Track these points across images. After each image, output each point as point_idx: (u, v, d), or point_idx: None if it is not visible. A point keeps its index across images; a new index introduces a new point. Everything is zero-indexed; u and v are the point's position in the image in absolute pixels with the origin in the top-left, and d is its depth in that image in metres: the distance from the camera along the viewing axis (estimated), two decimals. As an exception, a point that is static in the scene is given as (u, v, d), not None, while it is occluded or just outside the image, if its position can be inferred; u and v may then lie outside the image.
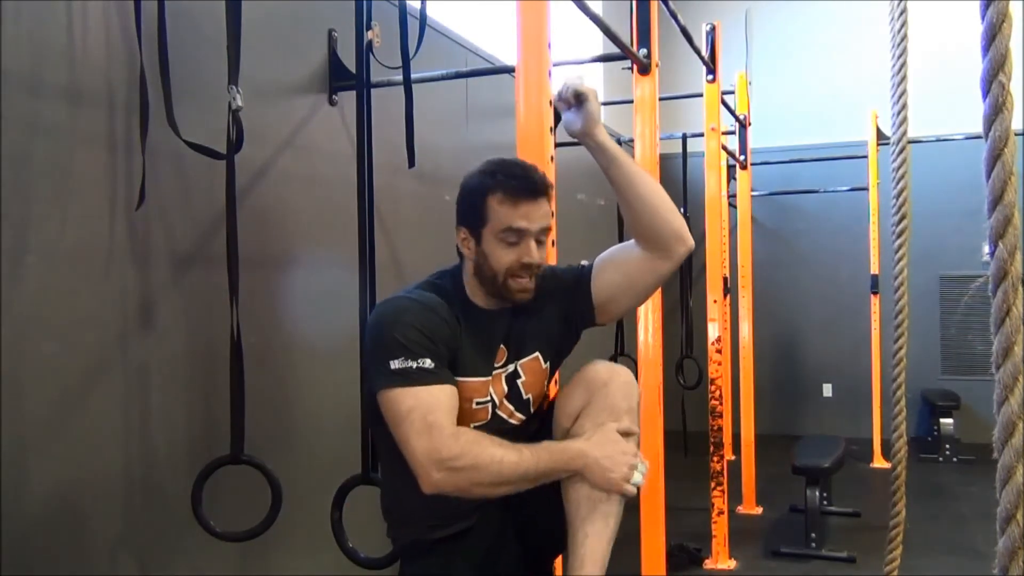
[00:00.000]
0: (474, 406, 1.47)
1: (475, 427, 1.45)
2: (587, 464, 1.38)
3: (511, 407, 1.51)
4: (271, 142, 2.68)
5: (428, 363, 1.36)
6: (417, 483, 1.37)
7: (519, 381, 1.52)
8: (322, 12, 2.93)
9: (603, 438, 1.40)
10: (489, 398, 1.49)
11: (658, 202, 1.51)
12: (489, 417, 1.49)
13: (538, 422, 1.58)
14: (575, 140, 1.54)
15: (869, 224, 6.15)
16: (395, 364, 1.36)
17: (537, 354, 1.54)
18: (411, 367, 1.36)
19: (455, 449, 1.32)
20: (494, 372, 1.50)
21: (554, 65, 1.96)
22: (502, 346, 1.51)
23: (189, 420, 2.30)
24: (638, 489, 1.42)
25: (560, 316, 1.57)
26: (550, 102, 1.93)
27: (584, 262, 1.62)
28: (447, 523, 1.49)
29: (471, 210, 1.47)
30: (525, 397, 1.53)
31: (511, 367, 1.51)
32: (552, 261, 1.77)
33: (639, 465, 1.41)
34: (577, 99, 1.49)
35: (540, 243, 1.46)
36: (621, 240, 4.75)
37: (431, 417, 1.33)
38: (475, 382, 1.47)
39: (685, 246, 1.53)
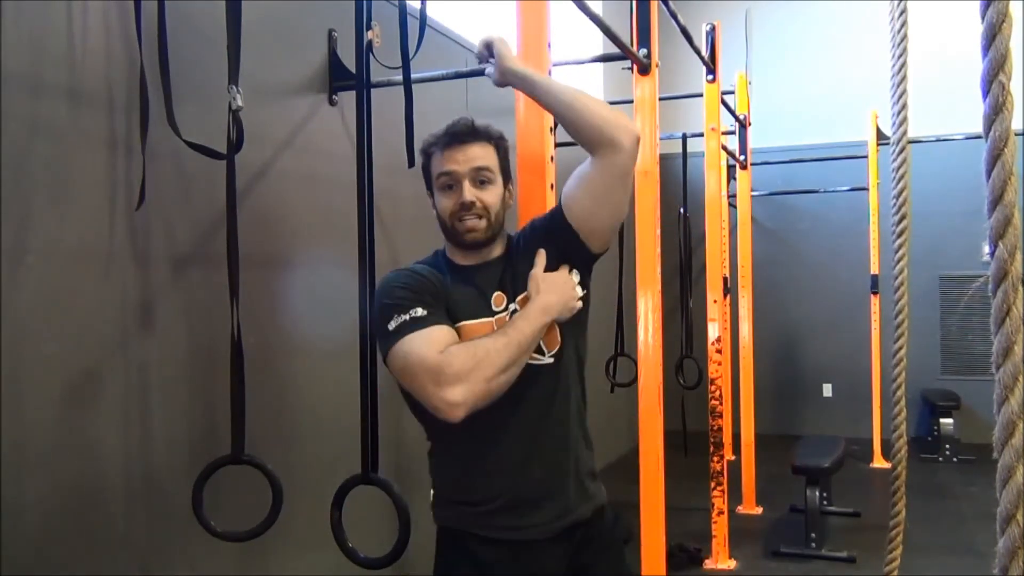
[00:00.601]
0: None
1: None
2: (552, 312, 1.46)
3: None
4: (271, 142, 2.68)
5: (420, 311, 1.43)
6: (451, 459, 1.49)
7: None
8: (322, 12, 2.93)
9: (545, 284, 1.48)
10: None
11: (586, 103, 1.53)
12: None
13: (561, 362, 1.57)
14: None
15: (869, 224, 6.15)
16: (392, 324, 1.43)
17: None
18: (405, 320, 1.42)
19: (451, 363, 1.36)
20: (496, 315, 1.53)
21: (554, 65, 1.96)
22: (499, 292, 1.55)
23: (189, 420, 2.30)
24: None
25: (553, 256, 1.58)
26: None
27: None
28: (477, 504, 1.50)
29: (424, 174, 1.60)
30: None
31: (511, 308, 1.54)
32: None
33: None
34: (488, 49, 1.57)
35: (480, 184, 1.52)
36: (621, 237, 4.72)
37: (420, 354, 1.39)
38: (477, 323, 1.50)
39: (629, 133, 1.52)
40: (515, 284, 1.56)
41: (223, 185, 2.05)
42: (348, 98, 2.94)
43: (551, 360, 1.54)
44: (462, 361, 1.37)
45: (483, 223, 1.52)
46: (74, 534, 1.96)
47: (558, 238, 1.57)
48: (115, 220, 2.06)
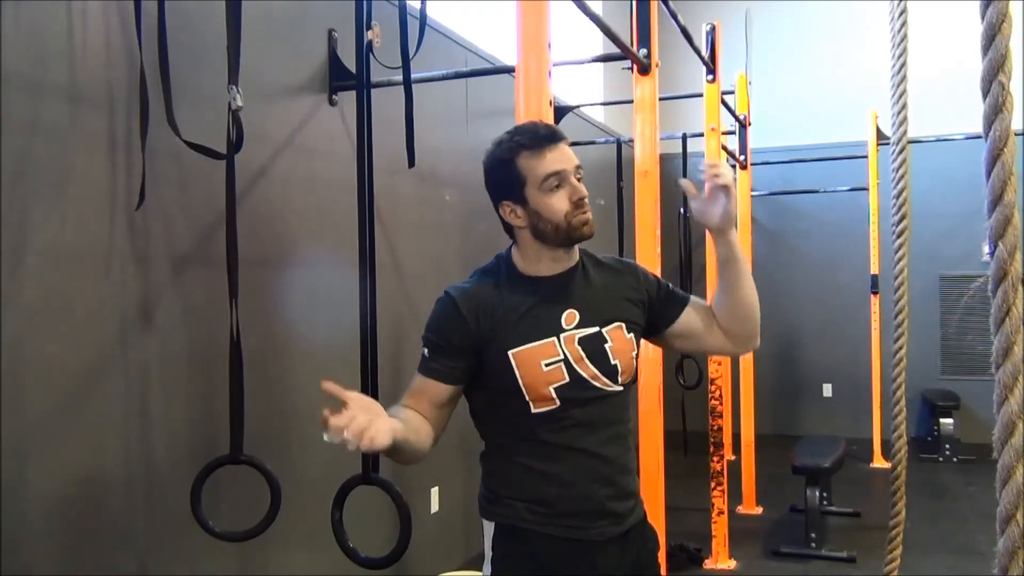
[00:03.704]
0: (543, 368, 1.47)
1: (555, 388, 1.48)
2: None
3: (595, 369, 1.50)
4: (271, 142, 2.68)
5: (428, 353, 1.51)
6: (512, 465, 1.52)
7: (607, 346, 1.52)
8: (322, 12, 2.93)
9: None
10: (561, 357, 1.48)
11: (753, 306, 1.60)
12: (568, 378, 1.48)
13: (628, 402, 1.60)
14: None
15: (869, 224, 6.15)
16: (424, 352, 1.52)
17: (621, 324, 1.56)
18: (424, 354, 1.51)
19: None
20: (563, 334, 1.50)
21: (554, 65, 1.96)
22: (571, 310, 1.52)
23: (189, 420, 2.30)
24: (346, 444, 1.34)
25: (636, 304, 1.60)
26: (550, 102, 1.93)
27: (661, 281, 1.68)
28: (538, 506, 1.51)
29: (505, 181, 1.52)
30: (613, 362, 1.52)
31: (590, 330, 1.52)
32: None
33: (326, 437, 1.34)
34: (725, 190, 1.51)
35: (579, 180, 1.52)
36: (621, 237, 4.72)
37: (403, 397, 1.50)
38: (535, 346, 1.48)
39: (754, 345, 1.65)
40: (596, 308, 1.54)
41: (223, 185, 2.05)
42: (348, 98, 2.94)
43: (621, 388, 1.55)
44: None
45: (591, 215, 1.53)
46: (74, 533, 1.96)
47: (659, 307, 1.62)
48: (115, 220, 2.06)
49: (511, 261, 1.57)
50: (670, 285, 1.67)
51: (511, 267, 1.56)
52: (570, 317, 1.52)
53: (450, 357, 1.49)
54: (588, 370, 1.50)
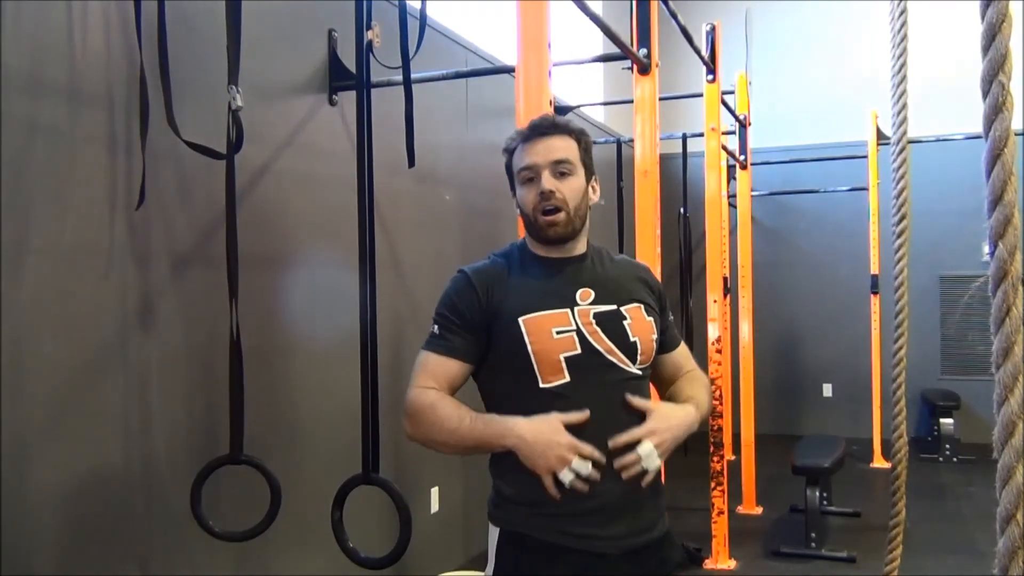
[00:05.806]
0: (554, 335, 1.44)
1: (566, 358, 1.43)
2: (516, 444, 1.39)
3: (611, 344, 1.46)
4: (271, 142, 2.68)
5: (444, 332, 1.49)
6: (513, 458, 1.43)
7: (626, 323, 1.49)
8: (322, 12, 2.93)
9: (544, 425, 1.39)
10: (573, 327, 1.45)
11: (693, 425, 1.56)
12: (580, 348, 1.43)
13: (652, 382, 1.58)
14: None
15: (869, 224, 6.15)
16: (432, 328, 1.52)
17: (640, 305, 1.54)
18: (434, 331, 1.51)
19: (417, 404, 1.45)
20: (578, 307, 1.48)
21: (554, 65, 1.96)
22: (586, 288, 1.51)
23: (189, 420, 2.30)
24: (575, 487, 1.36)
25: (653, 304, 1.59)
26: (550, 102, 1.93)
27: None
28: (550, 509, 1.42)
29: (507, 174, 1.58)
30: (632, 339, 1.48)
31: (607, 307, 1.49)
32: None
33: (575, 463, 1.35)
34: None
35: (560, 176, 1.49)
36: (621, 237, 4.72)
37: (416, 377, 1.49)
38: (547, 314, 1.46)
39: None
40: (614, 289, 1.53)
41: (223, 185, 2.05)
42: (348, 98, 2.94)
43: (639, 372, 1.50)
44: (422, 410, 1.45)
45: (562, 216, 1.48)
46: (74, 533, 1.96)
47: (657, 304, 1.60)
48: (115, 220, 2.06)
49: (525, 245, 1.58)
50: (672, 319, 1.66)
51: (525, 249, 1.57)
52: (585, 294, 1.50)
53: (464, 333, 1.48)
54: (603, 343, 1.45)
